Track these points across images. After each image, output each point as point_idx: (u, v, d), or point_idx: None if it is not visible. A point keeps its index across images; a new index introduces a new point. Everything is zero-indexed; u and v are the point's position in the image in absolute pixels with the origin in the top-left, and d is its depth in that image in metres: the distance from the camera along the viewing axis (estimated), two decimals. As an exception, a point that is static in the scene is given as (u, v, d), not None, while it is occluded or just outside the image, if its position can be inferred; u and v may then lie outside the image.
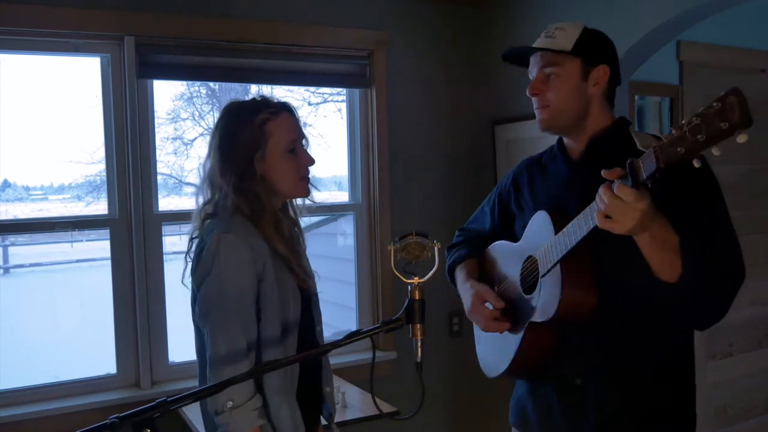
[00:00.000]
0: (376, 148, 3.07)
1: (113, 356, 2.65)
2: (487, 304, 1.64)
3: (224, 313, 1.57)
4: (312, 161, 1.72)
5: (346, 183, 3.21)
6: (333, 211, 3.30)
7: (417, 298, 1.22)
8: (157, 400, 1.05)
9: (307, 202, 1.81)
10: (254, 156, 1.63)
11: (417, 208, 3.16)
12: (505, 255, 1.73)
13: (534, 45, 1.58)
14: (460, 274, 1.81)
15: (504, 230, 1.80)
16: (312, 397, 1.75)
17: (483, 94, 3.25)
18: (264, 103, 1.69)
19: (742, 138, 1.02)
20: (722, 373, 3.47)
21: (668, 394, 1.51)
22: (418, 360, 1.23)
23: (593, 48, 1.55)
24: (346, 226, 3.33)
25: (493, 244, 1.80)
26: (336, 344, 1.21)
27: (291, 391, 1.64)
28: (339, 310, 3.34)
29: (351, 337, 1.22)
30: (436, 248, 1.28)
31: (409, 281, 1.24)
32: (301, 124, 1.75)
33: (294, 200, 1.80)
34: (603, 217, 1.25)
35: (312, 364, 1.74)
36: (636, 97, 3.14)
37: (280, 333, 1.62)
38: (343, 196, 3.25)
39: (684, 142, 1.07)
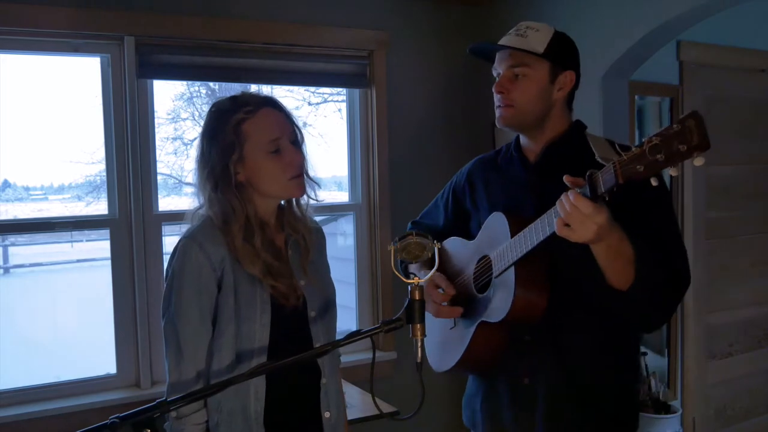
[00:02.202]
0: (376, 148, 3.07)
1: (113, 356, 2.65)
2: (439, 290, 1.64)
3: (172, 323, 1.51)
4: (298, 158, 1.54)
5: (346, 183, 3.21)
6: (333, 211, 3.29)
7: (417, 298, 1.22)
8: (157, 400, 1.06)
9: (311, 201, 1.65)
10: (229, 161, 1.50)
11: (417, 208, 3.15)
12: (459, 252, 1.73)
13: (504, 42, 1.57)
14: (413, 266, 1.80)
15: (457, 226, 1.80)
16: (309, 423, 1.59)
17: (483, 94, 3.24)
18: (241, 101, 1.54)
19: (698, 161, 1.06)
20: (722, 373, 3.47)
21: (615, 395, 1.55)
22: (418, 360, 1.23)
23: (563, 53, 1.57)
24: (346, 226, 3.33)
25: (446, 241, 1.79)
26: (336, 344, 1.21)
27: (243, 412, 1.51)
28: (339, 310, 3.32)
29: (351, 337, 1.22)
30: (436, 248, 1.28)
31: (409, 281, 1.24)
32: (291, 117, 1.59)
33: (298, 200, 1.64)
34: (562, 224, 1.27)
35: (306, 385, 1.57)
36: (636, 97, 3.14)
37: (233, 348, 1.50)
38: (343, 196, 3.25)
39: (643, 160, 1.10)
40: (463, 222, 1.78)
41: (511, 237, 1.46)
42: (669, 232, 1.46)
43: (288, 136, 1.55)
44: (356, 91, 3.11)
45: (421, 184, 3.19)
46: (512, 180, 1.65)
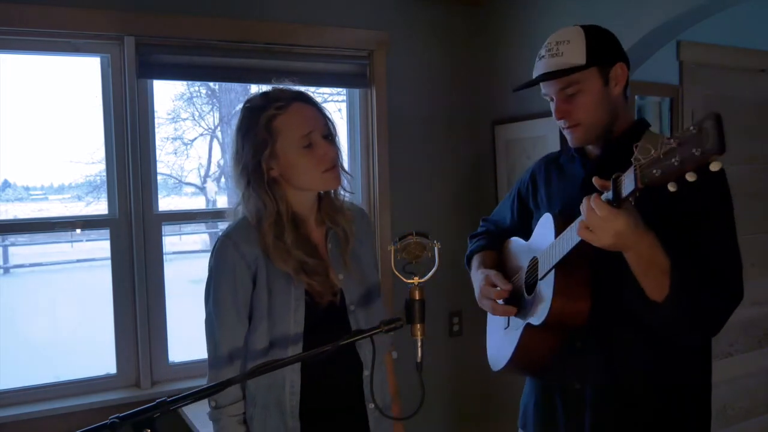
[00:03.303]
0: (376, 148, 3.07)
1: (113, 356, 2.65)
2: (495, 288, 1.64)
3: (210, 318, 1.57)
4: (331, 151, 1.56)
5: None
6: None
7: (417, 298, 1.22)
8: (157, 400, 1.06)
9: (348, 194, 1.67)
10: (262, 158, 1.52)
11: (417, 208, 3.16)
12: (518, 252, 1.73)
13: (542, 69, 1.52)
14: (475, 263, 1.82)
15: (522, 225, 1.79)
16: (352, 416, 1.60)
17: (483, 94, 3.25)
18: (272, 97, 1.56)
19: (715, 165, 0.98)
20: (722, 373, 3.46)
21: (669, 403, 1.48)
22: (418, 360, 1.23)
23: (604, 49, 1.51)
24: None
25: (510, 240, 1.80)
26: (336, 344, 1.21)
27: (278, 406, 1.54)
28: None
29: (351, 337, 1.22)
30: (436, 248, 1.27)
31: (409, 281, 1.24)
32: (323, 111, 1.60)
33: (336, 191, 1.65)
34: (584, 228, 1.24)
35: (347, 378, 1.58)
36: (636, 97, 3.14)
37: (267, 346, 1.53)
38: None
39: (659, 165, 1.04)
40: (528, 221, 1.77)
41: (555, 239, 1.44)
42: (720, 243, 1.39)
43: (320, 130, 1.56)
44: (356, 91, 3.11)
45: (421, 184, 3.19)
46: (571, 179, 1.63)
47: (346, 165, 1.67)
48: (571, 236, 1.33)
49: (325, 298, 1.55)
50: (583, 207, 1.24)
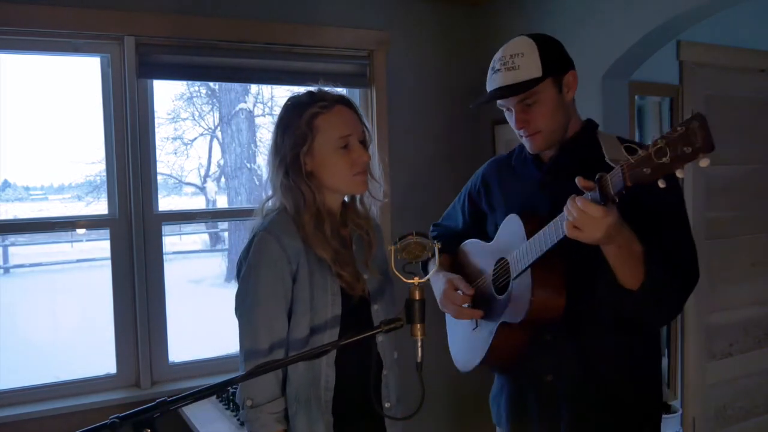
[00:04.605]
0: (376, 147, 3.07)
1: (113, 356, 2.65)
2: (458, 291, 1.66)
3: (249, 311, 1.58)
4: (365, 157, 1.61)
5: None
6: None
7: (417, 298, 1.23)
8: (157, 400, 1.06)
9: (376, 200, 1.72)
10: (300, 151, 1.57)
11: (417, 208, 3.16)
12: (478, 254, 1.76)
13: (499, 83, 1.56)
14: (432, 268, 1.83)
15: (475, 228, 1.83)
16: (373, 412, 1.61)
17: (483, 93, 3.24)
18: (318, 96, 1.62)
19: (704, 162, 1.06)
20: (722, 373, 3.47)
21: (636, 387, 1.56)
22: (419, 360, 1.23)
23: (556, 59, 1.56)
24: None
25: (465, 243, 1.83)
26: (336, 344, 1.21)
27: (316, 401, 1.58)
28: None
29: (351, 337, 1.23)
30: (436, 248, 1.28)
31: (409, 281, 1.24)
32: (362, 118, 1.66)
33: (362, 197, 1.71)
34: (572, 227, 1.29)
35: (370, 377, 1.61)
36: (636, 97, 3.14)
37: (307, 336, 1.57)
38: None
39: (649, 163, 1.11)
40: (480, 224, 1.81)
41: (527, 239, 1.47)
42: (678, 230, 1.47)
43: (358, 135, 1.62)
44: (356, 91, 3.11)
45: (421, 184, 3.19)
46: (526, 180, 1.67)
47: (376, 174, 1.70)
48: (550, 235, 1.38)
49: (357, 291, 1.60)
50: (569, 208, 1.28)
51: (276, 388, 1.57)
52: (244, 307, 1.59)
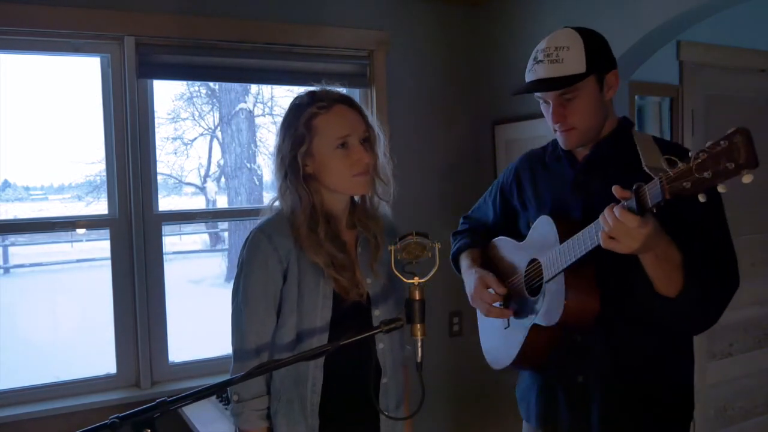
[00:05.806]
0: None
1: (113, 356, 2.65)
2: (489, 290, 1.65)
3: (239, 310, 1.58)
4: (366, 157, 1.58)
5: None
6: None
7: (417, 298, 1.23)
8: (157, 400, 1.06)
9: (383, 201, 1.71)
10: (298, 152, 1.56)
11: (417, 208, 3.16)
12: (510, 253, 1.74)
13: (541, 74, 1.51)
14: (464, 261, 1.83)
15: (506, 223, 1.81)
16: (366, 417, 1.62)
17: (483, 94, 3.25)
18: (317, 96, 1.60)
19: (747, 178, 1.03)
20: (722, 373, 3.47)
21: (668, 390, 1.54)
22: (418, 360, 1.23)
23: (601, 57, 1.52)
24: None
25: (497, 239, 1.81)
26: (336, 344, 1.21)
27: (300, 403, 1.57)
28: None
29: (351, 337, 1.22)
30: (436, 248, 1.28)
31: (409, 281, 1.24)
32: (365, 117, 1.63)
33: (371, 198, 1.70)
34: (607, 238, 1.26)
35: (366, 383, 1.53)
36: (636, 97, 3.14)
37: (294, 339, 1.56)
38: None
39: (690, 177, 1.08)
40: (512, 219, 1.79)
41: (560, 243, 1.46)
42: (717, 237, 1.44)
43: (359, 135, 1.59)
44: (356, 91, 3.11)
45: (421, 184, 3.19)
46: (559, 179, 1.64)
47: (384, 174, 1.69)
48: (584, 242, 1.35)
49: (351, 295, 1.58)
50: (606, 218, 1.25)
51: (261, 385, 1.57)
52: (234, 304, 1.60)
